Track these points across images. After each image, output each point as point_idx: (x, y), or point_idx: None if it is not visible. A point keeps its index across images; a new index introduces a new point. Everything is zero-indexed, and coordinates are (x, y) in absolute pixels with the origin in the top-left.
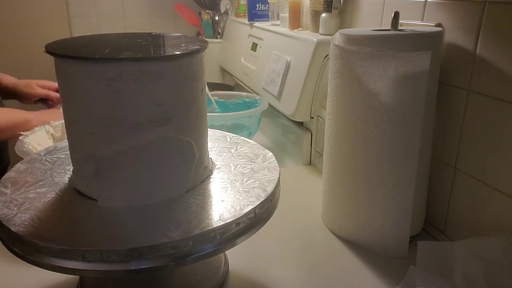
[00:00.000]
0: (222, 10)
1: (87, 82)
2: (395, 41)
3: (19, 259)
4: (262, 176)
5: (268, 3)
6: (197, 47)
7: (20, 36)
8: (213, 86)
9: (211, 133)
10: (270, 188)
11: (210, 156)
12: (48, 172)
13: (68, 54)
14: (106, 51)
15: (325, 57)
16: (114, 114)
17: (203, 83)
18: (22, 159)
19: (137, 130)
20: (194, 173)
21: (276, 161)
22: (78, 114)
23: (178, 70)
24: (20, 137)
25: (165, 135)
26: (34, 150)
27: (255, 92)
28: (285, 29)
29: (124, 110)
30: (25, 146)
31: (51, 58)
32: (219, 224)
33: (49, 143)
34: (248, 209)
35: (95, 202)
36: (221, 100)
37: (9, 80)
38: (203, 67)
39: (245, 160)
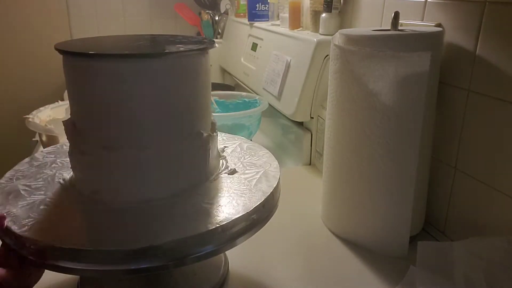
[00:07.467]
0: (222, 10)
1: (102, 79)
2: (395, 41)
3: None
4: (262, 176)
5: (268, 3)
6: (207, 45)
7: (20, 36)
8: (213, 86)
9: None
10: (270, 189)
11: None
12: (47, 172)
13: (92, 52)
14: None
15: (325, 57)
16: (126, 110)
17: (209, 81)
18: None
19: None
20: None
21: (276, 161)
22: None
23: (188, 66)
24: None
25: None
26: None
27: (255, 92)
28: (285, 29)
29: (134, 106)
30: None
31: (51, 58)
32: (219, 225)
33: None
34: (248, 210)
35: (95, 202)
36: (221, 100)
37: None
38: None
39: (244, 160)
